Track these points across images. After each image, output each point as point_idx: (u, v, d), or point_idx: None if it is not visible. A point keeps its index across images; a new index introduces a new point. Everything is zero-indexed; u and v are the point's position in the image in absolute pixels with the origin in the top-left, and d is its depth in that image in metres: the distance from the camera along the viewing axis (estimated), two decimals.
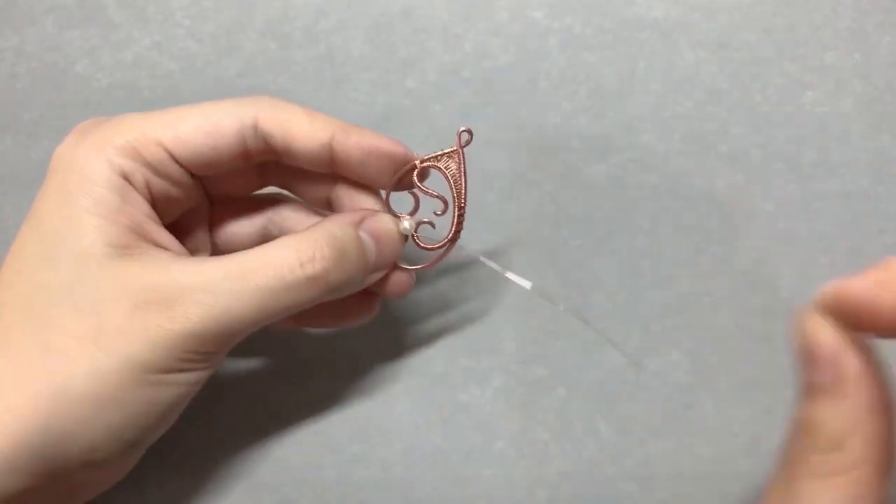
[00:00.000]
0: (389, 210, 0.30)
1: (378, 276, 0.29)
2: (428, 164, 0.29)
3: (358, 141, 0.28)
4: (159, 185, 0.27)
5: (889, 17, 0.38)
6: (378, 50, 0.38)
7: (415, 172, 0.29)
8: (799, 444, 0.21)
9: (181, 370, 0.25)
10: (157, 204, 0.28)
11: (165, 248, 0.27)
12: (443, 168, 0.29)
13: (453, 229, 0.29)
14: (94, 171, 0.25)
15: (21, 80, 0.37)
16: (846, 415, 0.20)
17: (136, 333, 0.24)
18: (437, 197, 0.29)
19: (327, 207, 0.31)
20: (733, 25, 0.38)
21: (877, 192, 0.37)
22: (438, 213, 0.30)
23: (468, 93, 0.38)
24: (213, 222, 0.31)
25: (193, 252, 0.30)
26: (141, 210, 0.26)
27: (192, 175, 0.28)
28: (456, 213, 0.29)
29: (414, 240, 0.30)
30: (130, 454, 0.26)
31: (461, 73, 0.38)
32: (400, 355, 0.35)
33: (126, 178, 0.26)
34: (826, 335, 0.21)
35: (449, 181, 0.29)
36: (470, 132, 0.29)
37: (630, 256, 0.36)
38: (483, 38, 0.38)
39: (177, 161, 0.27)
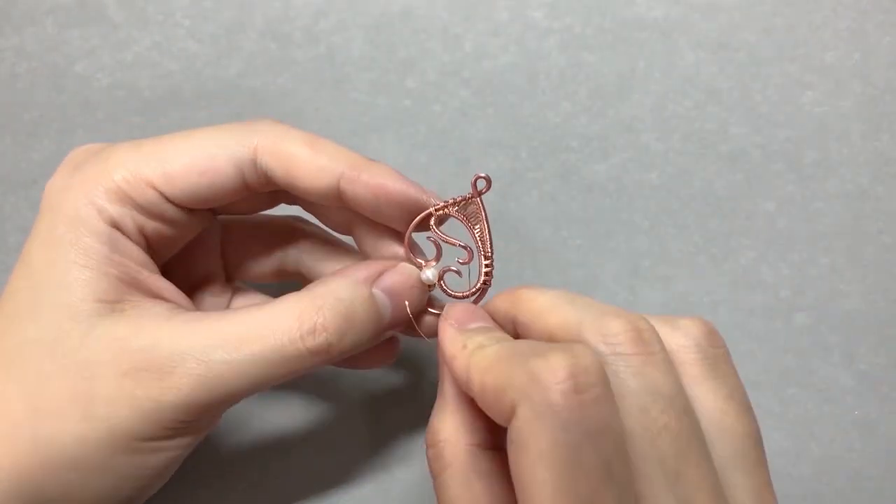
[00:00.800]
0: (409, 256, 0.28)
1: (395, 330, 0.27)
2: (443, 211, 0.27)
3: (367, 182, 0.25)
4: (153, 226, 0.25)
5: (889, 17, 0.38)
6: (378, 50, 0.38)
7: (431, 220, 0.27)
8: None
9: (170, 437, 0.24)
10: (154, 245, 0.26)
11: (161, 298, 0.25)
12: (459, 215, 0.27)
13: (481, 280, 0.27)
14: (82, 219, 0.24)
15: (21, 80, 0.37)
16: (444, 421, 0.25)
17: (125, 402, 0.23)
18: (459, 246, 0.27)
19: (350, 233, 0.29)
20: (733, 25, 0.38)
21: (877, 192, 0.37)
22: (461, 260, 0.27)
23: (468, 93, 0.38)
24: (226, 247, 0.30)
25: (205, 278, 0.29)
26: (133, 258, 0.25)
27: (192, 210, 0.26)
28: (482, 264, 0.27)
29: (441, 288, 0.28)
30: None
31: (461, 73, 0.38)
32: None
33: (116, 225, 0.24)
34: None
35: (470, 230, 0.27)
36: (488, 179, 0.27)
37: (630, 256, 0.36)
38: (483, 38, 0.38)
39: (170, 200, 0.25)
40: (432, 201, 0.26)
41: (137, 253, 0.25)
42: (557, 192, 0.37)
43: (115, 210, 0.24)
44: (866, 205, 0.37)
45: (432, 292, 0.28)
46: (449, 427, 0.24)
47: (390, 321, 0.26)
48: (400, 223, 0.27)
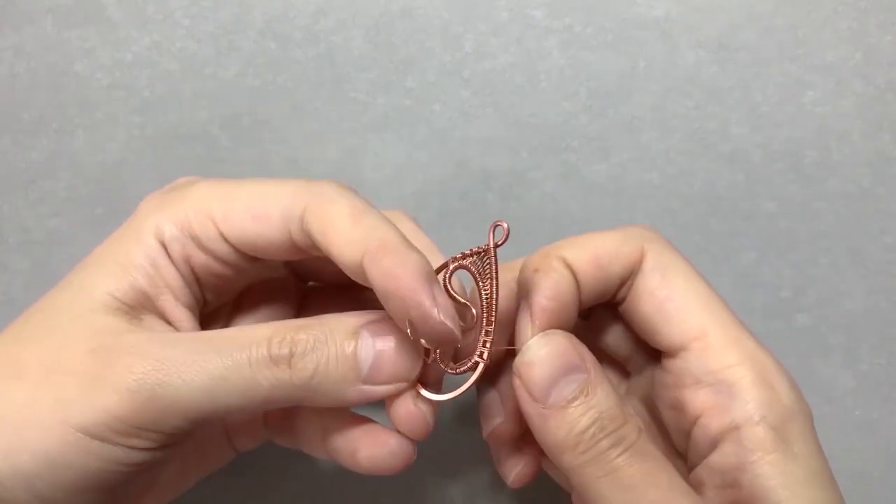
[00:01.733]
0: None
1: (378, 393, 0.24)
2: (459, 264, 0.24)
3: (380, 271, 0.22)
4: (203, 260, 0.25)
5: (890, 16, 0.38)
6: (378, 50, 0.38)
7: (445, 275, 0.24)
8: None
9: (113, 442, 0.22)
10: (203, 280, 0.26)
11: (172, 325, 0.25)
12: (473, 268, 0.24)
13: (476, 354, 0.24)
14: (140, 230, 0.25)
15: (20, 79, 0.37)
16: (613, 392, 0.24)
17: (78, 374, 0.22)
18: (464, 304, 0.25)
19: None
20: (734, 25, 0.38)
21: (878, 192, 0.37)
22: (464, 325, 0.24)
23: (468, 93, 0.38)
24: (305, 307, 0.30)
25: None
26: (165, 280, 0.25)
27: (254, 258, 0.26)
28: (482, 331, 0.24)
29: (436, 358, 0.25)
30: None
31: (461, 73, 0.38)
32: None
33: (164, 244, 0.25)
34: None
35: (478, 285, 0.24)
36: (507, 230, 0.24)
37: None
38: (483, 38, 0.38)
39: (226, 240, 0.25)
40: (437, 316, 0.22)
41: (173, 277, 0.25)
42: (557, 192, 0.37)
43: (171, 232, 0.25)
44: (867, 205, 0.37)
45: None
46: (616, 400, 0.24)
47: (370, 372, 0.24)
48: (399, 319, 0.23)
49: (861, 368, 0.36)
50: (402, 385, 0.24)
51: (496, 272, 0.24)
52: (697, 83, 0.38)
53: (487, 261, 0.24)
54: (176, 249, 0.25)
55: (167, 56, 0.38)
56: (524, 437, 0.27)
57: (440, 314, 0.22)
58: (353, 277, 0.24)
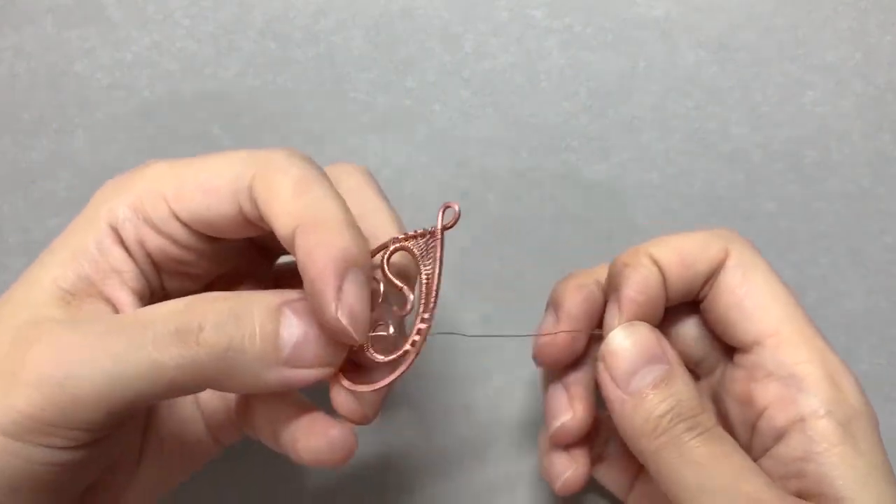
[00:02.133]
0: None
1: (300, 378, 0.22)
2: (402, 245, 0.23)
3: (302, 248, 0.21)
4: (158, 242, 0.24)
5: (890, 16, 0.38)
6: (378, 50, 0.38)
7: (384, 256, 0.23)
8: None
9: (31, 441, 0.21)
10: (160, 264, 0.25)
11: (118, 311, 0.24)
12: (416, 250, 0.23)
13: (409, 341, 0.22)
14: (90, 215, 0.24)
15: (20, 79, 0.37)
16: (692, 382, 0.26)
17: None
18: (400, 290, 0.23)
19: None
20: (734, 25, 0.38)
21: (878, 192, 0.37)
22: (398, 311, 0.23)
23: (468, 93, 0.38)
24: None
25: None
26: (112, 263, 0.24)
27: (212, 238, 0.25)
28: (417, 320, 0.22)
29: (365, 346, 0.23)
30: None
31: (461, 73, 0.38)
32: None
33: (116, 227, 0.24)
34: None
35: (418, 267, 0.23)
36: (457, 213, 0.22)
37: None
38: (483, 38, 0.38)
39: (178, 219, 0.24)
40: (332, 312, 0.21)
41: (121, 261, 0.24)
42: (557, 192, 0.37)
43: (123, 214, 0.24)
44: (867, 205, 0.37)
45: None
46: (694, 392, 0.25)
47: (291, 352, 0.22)
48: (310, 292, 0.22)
49: (861, 368, 0.36)
50: (327, 370, 0.22)
51: (441, 256, 0.22)
52: (697, 83, 0.38)
53: (433, 244, 0.22)
54: (129, 232, 0.24)
55: (167, 56, 0.38)
56: (581, 441, 0.29)
57: (338, 310, 0.21)
58: (291, 253, 0.22)
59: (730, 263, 0.27)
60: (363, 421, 0.24)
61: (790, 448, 0.25)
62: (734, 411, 0.27)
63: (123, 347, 0.21)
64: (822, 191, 0.37)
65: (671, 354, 0.26)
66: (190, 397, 0.27)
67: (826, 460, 0.24)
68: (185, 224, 0.24)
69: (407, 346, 0.22)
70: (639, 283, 0.26)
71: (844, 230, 0.37)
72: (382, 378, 0.23)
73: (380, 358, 0.22)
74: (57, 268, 0.24)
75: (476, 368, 0.36)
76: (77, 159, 0.37)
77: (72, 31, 0.38)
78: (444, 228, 0.22)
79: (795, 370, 0.25)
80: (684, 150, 0.37)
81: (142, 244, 0.24)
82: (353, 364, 0.24)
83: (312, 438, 0.24)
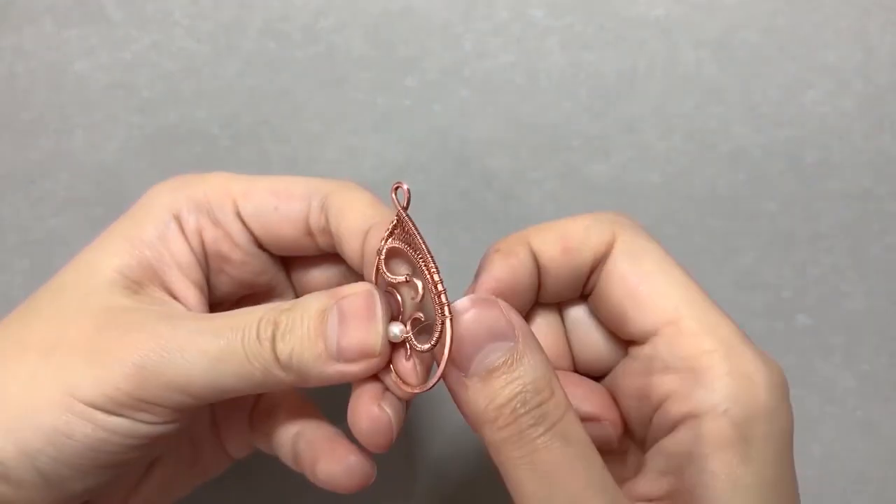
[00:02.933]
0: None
1: (352, 371, 0.23)
2: (387, 244, 0.24)
3: (375, 242, 0.24)
4: (213, 234, 0.26)
5: (891, 16, 0.38)
6: (378, 50, 0.38)
7: (380, 261, 0.24)
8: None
9: (119, 414, 0.22)
10: (210, 257, 0.27)
11: (178, 301, 0.26)
12: (403, 245, 0.24)
13: (439, 321, 0.22)
14: (151, 206, 0.26)
15: (20, 79, 0.37)
16: (545, 363, 0.22)
17: (81, 349, 0.23)
18: (405, 282, 0.24)
19: None
20: (734, 24, 0.38)
21: (878, 192, 0.37)
22: (413, 298, 0.24)
23: (468, 93, 0.38)
24: None
25: None
26: (173, 252, 0.26)
27: (262, 247, 0.27)
28: (435, 296, 0.22)
29: (411, 345, 0.23)
30: (46, 490, 0.23)
31: (461, 73, 0.38)
32: None
33: (177, 217, 0.26)
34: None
35: (413, 258, 0.23)
36: (407, 190, 0.23)
37: None
38: (483, 38, 0.38)
39: (240, 218, 0.26)
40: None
41: (183, 252, 0.26)
42: (557, 192, 0.37)
43: (185, 205, 0.26)
44: (868, 205, 0.37)
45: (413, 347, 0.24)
46: (548, 363, 0.22)
47: (339, 350, 0.23)
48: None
49: (861, 368, 0.36)
50: (375, 361, 0.23)
51: (416, 231, 0.23)
52: (698, 82, 0.38)
53: (407, 228, 0.23)
54: (190, 223, 0.26)
55: (167, 56, 0.38)
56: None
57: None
58: (348, 254, 0.25)
59: (617, 250, 0.24)
60: (384, 441, 0.24)
61: (676, 443, 0.22)
62: (631, 407, 0.25)
63: (218, 348, 0.23)
64: (822, 191, 0.37)
65: (520, 328, 0.22)
66: (205, 408, 0.29)
67: (706, 466, 0.21)
68: (245, 224, 0.27)
69: (439, 325, 0.22)
70: (501, 272, 0.24)
71: (844, 230, 0.37)
72: (419, 379, 0.24)
73: (424, 347, 0.23)
74: (117, 256, 0.25)
75: None
76: (77, 159, 0.37)
77: (72, 31, 0.38)
78: (404, 209, 0.23)
79: (697, 362, 0.22)
80: (684, 150, 0.37)
81: (200, 235, 0.26)
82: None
83: (332, 462, 0.25)
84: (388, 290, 0.24)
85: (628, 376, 0.25)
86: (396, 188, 0.23)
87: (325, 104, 0.37)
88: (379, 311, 0.23)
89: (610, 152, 0.37)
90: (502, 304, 0.22)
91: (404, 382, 0.24)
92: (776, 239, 0.37)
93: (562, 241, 0.24)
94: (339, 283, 0.27)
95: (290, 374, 0.23)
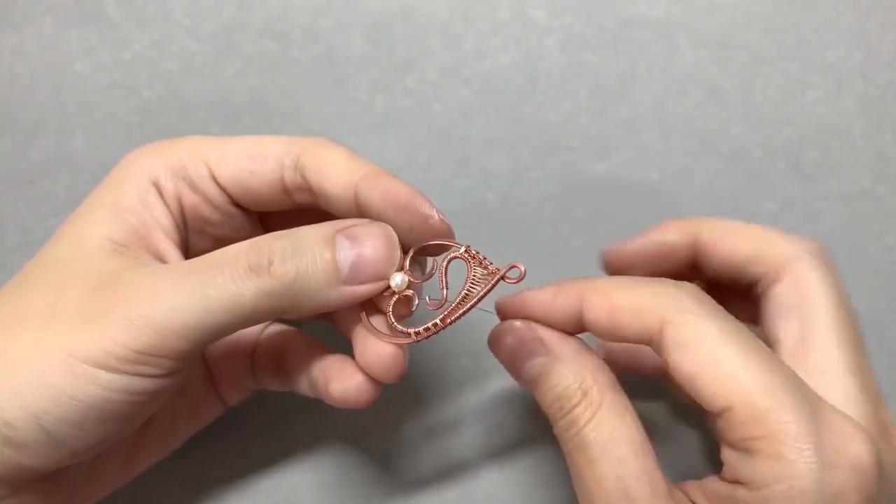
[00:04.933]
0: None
1: (360, 293, 0.25)
2: (466, 255, 0.26)
3: (381, 185, 0.25)
4: (191, 199, 0.27)
5: (890, 16, 0.38)
6: (378, 50, 0.38)
7: (447, 258, 0.26)
8: (559, 419, 0.25)
9: (120, 370, 0.23)
10: (189, 220, 0.28)
11: (162, 261, 0.27)
12: (472, 264, 0.26)
13: (433, 324, 0.25)
14: (129, 172, 0.27)
15: (20, 79, 0.37)
16: (576, 371, 0.25)
17: (79, 313, 0.23)
18: (442, 286, 0.26)
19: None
20: (734, 25, 0.38)
21: (878, 192, 0.37)
22: (430, 304, 0.26)
23: (468, 93, 0.38)
24: None
25: None
26: (156, 216, 0.27)
27: (239, 206, 0.28)
28: (439, 318, 0.25)
29: (389, 310, 0.26)
30: (51, 449, 0.23)
31: (461, 73, 0.38)
32: None
33: (155, 183, 0.27)
34: (527, 328, 0.26)
35: (465, 287, 0.26)
36: (522, 271, 0.26)
37: None
38: (483, 38, 0.38)
39: (216, 181, 0.27)
40: (437, 216, 0.26)
41: (163, 214, 0.27)
42: (557, 192, 0.37)
43: (162, 171, 0.27)
44: (868, 205, 0.37)
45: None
46: (584, 369, 0.25)
47: (350, 273, 0.25)
48: (406, 231, 0.26)
49: None
50: (381, 283, 0.25)
51: (485, 292, 0.26)
52: (698, 83, 0.38)
53: (488, 279, 0.26)
54: (168, 189, 0.27)
55: (167, 56, 0.38)
56: None
57: (438, 214, 0.26)
58: (335, 206, 0.27)
59: (667, 341, 0.24)
60: (396, 374, 0.26)
61: None
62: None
63: (205, 285, 0.23)
64: (823, 191, 0.37)
65: (552, 343, 0.26)
66: (199, 363, 0.30)
67: None
68: (221, 187, 0.27)
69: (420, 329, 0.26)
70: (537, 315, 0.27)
71: (844, 230, 0.37)
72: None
73: (404, 328, 0.26)
74: (103, 225, 0.26)
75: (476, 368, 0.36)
76: (77, 159, 0.37)
77: (71, 31, 0.37)
78: (501, 277, 0.26)
79: (748, 445, 0.22)
80: (684, 150, 0.37)
81: (179, 200, 0.27)
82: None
83: (344, 380, 0.27)
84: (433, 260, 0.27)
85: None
86: (511, 267, 0.26)
87: (325, 104, 0.37)
88: (395, 237, 0.26)
89: (610, 152, 0.37)
90: (526, 323, 0.26)
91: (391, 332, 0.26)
92: None
93: (609, 308, 0.25)
94: None
95: (287, 299, 0.24)
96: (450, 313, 0.25)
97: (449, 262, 0.26)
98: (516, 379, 0.27)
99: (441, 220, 0.26)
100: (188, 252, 0.28)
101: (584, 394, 0.24)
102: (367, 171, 0.26)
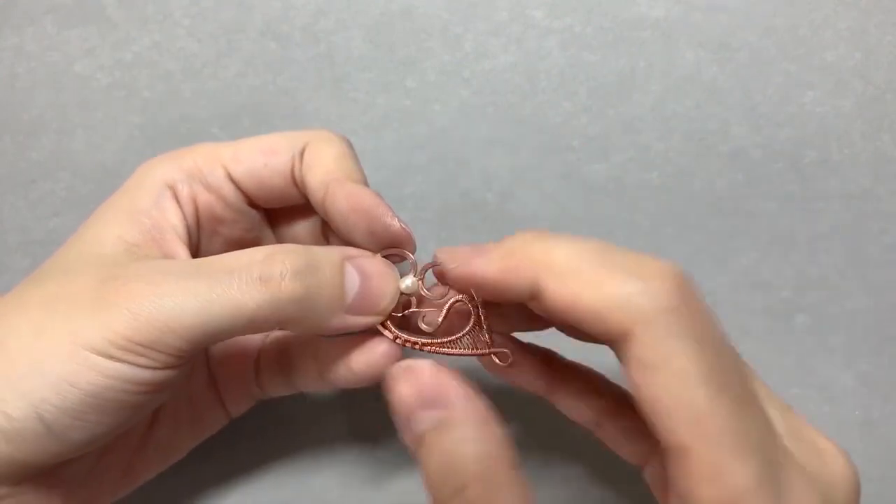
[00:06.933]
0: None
1: (358, 324, 0.26)
2: (476, 310, 0.26)
3: (349, 192, 0.26)
4: (206, 198, 0.28)
5: (890, 16, 0.38)
6: (378, 50, 0.38)
7: (455, 300, 0.27)
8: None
9: (121, 360, 0.23)
10: (203, 221, 0.29)
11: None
12: (473, 323, 0.26)
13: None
14: (144, 177, 0.28)
15: (20, 79, 0.37)
16: (478, 442, 0.21)
17: (86, 302, 0.24)
18: (440, 302, 0.27)
19: None
20: (734, 25, 0.38)
21: (878, 192, 0.37)
22: (423, 321, 0.27)
23: (468, 93, 0.38)
24: None
25: None
26: (169, 218, 0.27)
27: (252, 205, 0.29)
28: (421, 342, 0.26)
29: (423, 293, 0.27)
30: (50, 441, 0.23)
31: (461, 73, 0.38)
32: None
33: (171, 186, 0.28)
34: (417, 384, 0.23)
35: (461, 333, 0.27)
36: (509, 355, 0.27)
37: None
38: (483, 38, 0.38)
39: (232, 180, 0.28)
40: (398, 224, 0.26)
41: (176, 217, 0.27)
42: (557, 192, 0.37)
43: (178, 175, 0.28)
44: (867, 205, 0.37)
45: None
46: (489, 443, 0.22)
47: (354, 303, 0.25)
48: (366, 236, 0.27)
49: (861, 368, 0.36)
50: (379, 318, 0.26)
51: (480, 319, 0.26)
52: (697, 83, 0.38)
53: (481, 339, 0.26)
54: (184, 191, 0.28)
55: (167, 56, 0.38)
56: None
57: (400, 222, 0.26)
58: (314, 203, 0.28)
59: (633, 354, 0.21)
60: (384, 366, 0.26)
61: None
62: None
63: (212, 289, 0.23)
64: (823, 191, 0.37)
65: (456, 393, 0.22)
66: (202, 363, 0.31)
67: None
68: (236, 184, 0.28)
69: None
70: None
71: (844, 230, 0.37)
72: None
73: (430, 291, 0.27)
74: (118, 226, 0.27)
75: None
76: (77, 159, 0.37)
77: (72, 31, 0.38)
78: (490, 354, 0.26)
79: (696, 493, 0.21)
80: (684, 150, 0.37)
81: (194, 201, 0.28)
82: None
83: (367, 352, 0.27)
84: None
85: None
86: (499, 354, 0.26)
87: (324, 104, 0.38)
88: (398, 275, 0.26)
89: (610, 152, 0.37)
90: (438, 368, 0.23)
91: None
92: (776, 239, 0.37)
93: (572, 294, 0.23)
94: (317, 234, 0.30)
95: (289, 314, 0.24)
96: (432, 345, 0.26)
97: (453, 304, 0.27)
98: (401, 429, 0.23)
99: (402, 227, 0.26)
100: (198, 255, 0.29)
101: (481, 477, 0.21)
102: (340, 174, 0.27)
